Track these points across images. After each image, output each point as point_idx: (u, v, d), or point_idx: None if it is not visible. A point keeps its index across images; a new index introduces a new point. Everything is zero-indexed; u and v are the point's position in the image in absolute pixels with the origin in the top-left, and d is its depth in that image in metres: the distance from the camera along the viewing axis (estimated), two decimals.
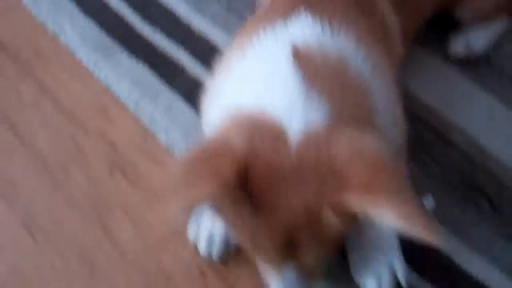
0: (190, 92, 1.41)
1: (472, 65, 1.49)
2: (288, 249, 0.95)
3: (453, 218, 1.30)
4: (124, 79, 1.46)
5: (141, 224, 1.29)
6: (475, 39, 1.50)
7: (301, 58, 0.97)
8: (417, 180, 1.29)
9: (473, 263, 1.26)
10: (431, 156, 1.38)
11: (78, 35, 1.53)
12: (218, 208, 0.97)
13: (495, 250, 1.28)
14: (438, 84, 1.49)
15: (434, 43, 1.52)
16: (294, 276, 1.01)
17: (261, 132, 0.92)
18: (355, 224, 0.97)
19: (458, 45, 1.50)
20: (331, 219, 0.90)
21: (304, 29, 1.02)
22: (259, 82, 0.99)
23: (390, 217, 0.83)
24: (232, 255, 1.25)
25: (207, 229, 1.24)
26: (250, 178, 0.89)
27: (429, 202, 1.31)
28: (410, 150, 1.32)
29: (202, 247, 1.24)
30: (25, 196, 1.34)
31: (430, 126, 1.42)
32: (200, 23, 1.56)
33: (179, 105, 1.42)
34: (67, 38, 1.54)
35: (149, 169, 1.35)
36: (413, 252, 1.22)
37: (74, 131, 1.41)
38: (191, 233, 1.25)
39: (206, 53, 1.47)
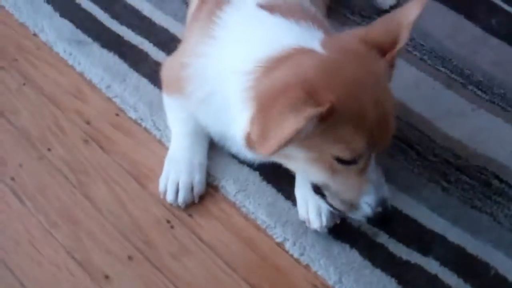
0: (154, 74, 1.62)
1: None
2: (375, 128, 1.17)
3: (384, 167, 1.47)
4: (96, 66, 1.68)
5: (114, 184, 1.49)
6: None
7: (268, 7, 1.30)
8: None
9: (403, 203, 1.46)
10: None
11: (55, 32, 1.75)
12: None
13: (424, 192, 1.49)
14: None
15: None
16: (375, 173, 1.23)
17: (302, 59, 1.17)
18: None
19: None
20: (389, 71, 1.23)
21: None
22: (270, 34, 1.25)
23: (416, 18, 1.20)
24: (196, 208, 1.45)
25: (174, 181, 1.45)
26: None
27: None
28: None
29: (169, 194, 1.44)
30: (13, 166, 1.52)
31: None
32: (161, 18, 1.80)
33: (145, 85, 1.65)
34: (46, 35, 1.75)
35: (121, 139, 1.56)
36: None
37: (54, 111, 1.62)
38: (161, 185, 1.46)
39: (166, 42, 1.72)
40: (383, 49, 1.22)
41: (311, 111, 1.06)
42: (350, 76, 1.15)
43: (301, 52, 1.19)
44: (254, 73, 1.19)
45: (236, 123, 1.25)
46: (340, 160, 1.18)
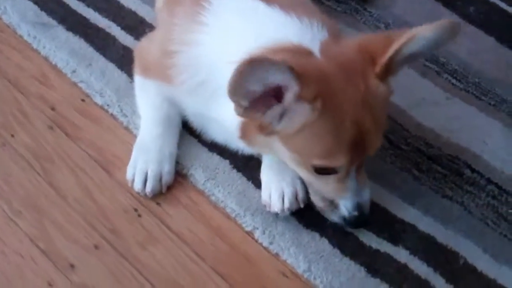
0: (121, 59, 1.69)
1: None
2: (358, 144, 1.22)
3: None
4: (62, 50, 1.73)
5: (79, 171, 1.54)
6: None
7: None
8: None
9: (374, 191, 1.48)
10: None
11: (18, 14, 1.80)
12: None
13: (396, 181, 1.56)
14: None
15: None
16: (355, 181, 1.32)
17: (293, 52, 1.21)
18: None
19: None
20: (382, 88, 1.22)
21: None
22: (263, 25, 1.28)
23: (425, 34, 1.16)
24: (164, 197, 1.51)
25: (143, 169, 1.50)
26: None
27: None
28: None
29: (137, 183, 1.50)
30: None
31: None
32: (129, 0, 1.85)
33: (112, 70, 1.70)
34: (8, 17, 1.80)
35: (86, 125, 1.62)
36: None
37: (17, 96, 1.66)
38: (128, 173, 1.51)
39: (134, 25, 1.78)
40: (375, 60, 1.21)
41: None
42: (338, 91, 1.18)
43: (298, 49, 1.22)
44: None
45: (228, 112, 1.27)
46: (318, 170, 1.28)
